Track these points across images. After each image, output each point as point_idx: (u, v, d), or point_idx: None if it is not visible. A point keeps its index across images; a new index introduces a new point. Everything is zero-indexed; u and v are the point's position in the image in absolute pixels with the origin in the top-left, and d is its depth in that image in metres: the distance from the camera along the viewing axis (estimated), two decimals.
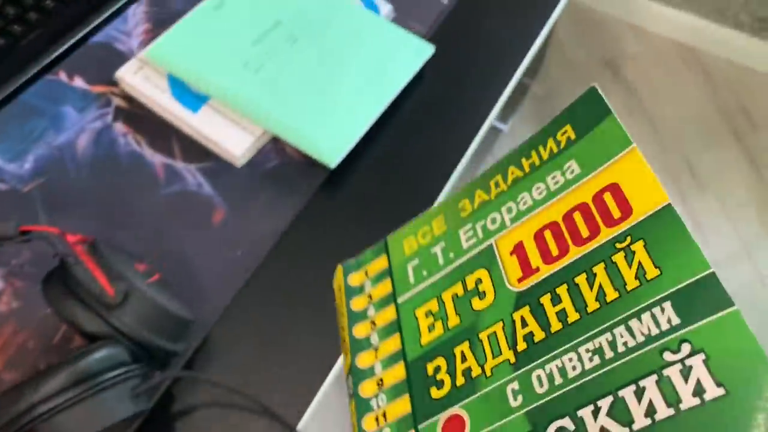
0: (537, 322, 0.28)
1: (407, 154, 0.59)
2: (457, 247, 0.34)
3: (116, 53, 0.63)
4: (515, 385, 0.27)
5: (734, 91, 1.79)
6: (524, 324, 0.28)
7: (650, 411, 0.23)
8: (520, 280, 0.30)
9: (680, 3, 1.82)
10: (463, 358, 0.30)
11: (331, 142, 0.56)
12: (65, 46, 0.62)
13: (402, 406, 0.31)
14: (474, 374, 0.29)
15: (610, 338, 0.25)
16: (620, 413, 0.23)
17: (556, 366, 0.26)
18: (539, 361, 0.27)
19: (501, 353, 0.29)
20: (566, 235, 0.29)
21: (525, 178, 0.33)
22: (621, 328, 0.25)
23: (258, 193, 0.56)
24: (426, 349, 0.32)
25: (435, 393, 0.30)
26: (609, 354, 0.25)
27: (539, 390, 0.26)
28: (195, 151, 0.58)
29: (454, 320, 0.31)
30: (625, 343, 0.25)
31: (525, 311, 0.29)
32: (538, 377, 0.26)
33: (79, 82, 0.61)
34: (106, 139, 0.58)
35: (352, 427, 0.32)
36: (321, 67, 0.60)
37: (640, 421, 0.23)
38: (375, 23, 0.62)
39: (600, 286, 0.27)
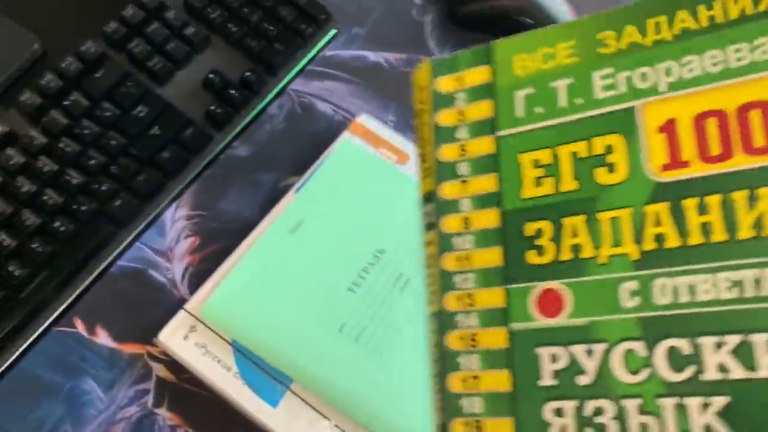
0: (674, 226, 0.23)
1: None
2: (588, 92, 0.27)
3: (152, 287, 0.45)
4: (633, 285, 0.23)
5: None
6: (658, 222, 0.24)
7: None
8: (664, 169, 0.24)
9: None
10: (574, 233, 0.25)
11: None
12: (86, 282, 0.44)
13: (491, 256, 0.26)
14: (584, 255, 0.24)
15: (756, 276, 0.22)
16: (746, 356, 0.21)
17: (686, 282, 0.23)
18: (666, 270, 0.23)
19: (622, 245, 0.24)
20: (735, 134, 0.23)
21: (699, 34, 0.25)
22: None
23: None
24: (528, 205, 0.26)
25: (532, 258, 0.25)
26: (751, 292, 0.22)
27: (659, 300, 0.23)
28: None
29: (569, 184, 0.26)
30: None
31: (662, 207, 0.24)
32: (662, 286, 0.23)
33: (103, 338, 0.44)
34: None
35: (427, 257, 0.27)
36: None
37: (764, 371, 0.20)
38: None
39: (760, 216, 0.22)
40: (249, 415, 0.41)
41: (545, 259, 0.25)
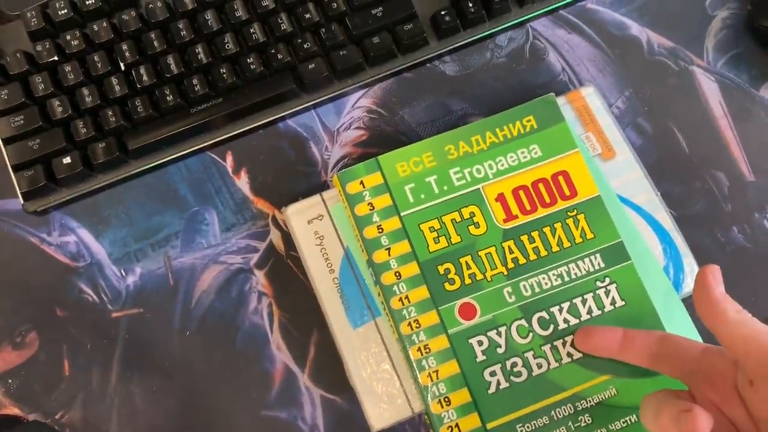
0: (520, 252, 0.40)
1: None
2: (449, 183, 0.41)
3: (306, 158, 0.45)
4: (509, 289, 0.39)
5: None
6: (510, 251, 0.40)
7: (589, 311, 0.39)
8: (505, 221, 0.40)
9: None
10: (468, 266, 0.39)
11: None
12: (252, 125, 0.44)
13: (422, 292, 0.39)
14: (478, 278, 0.39)
15: (566, 269, 0.40)
16: (574, 311, 0.39)
17: (535, 281, 0.39)
18: (524, 276, 0.39)
19: (497, 267, 0.39)
20: (535, 197, 0.41)
21: (500, 144, 0.42)
22: (572, 264, 0.39)
23: None
24: (434, 255, 0.40)
25: (448, 287, 0.39)
26: (566, 278, 0.39)
27: (525, 294, 0.39)
28: (331, 372, 0.41)
29: (455, 238, 0.40)
30: (575, 274, 0.39)
31: (510, 243, 0.40)
32: (524, 286, 0.39)
33: (243, 182, 0.44)
34: (237, 291, 0.42)
35: (382, 306, 0.40)
36: None
37: (585, 316, 0.39)
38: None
39: (559, 237, 0.40)
40: (329, 321, 0.40)
41: (456, 286, 0.39)
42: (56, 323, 0.42)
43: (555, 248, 0.40)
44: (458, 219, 0.40)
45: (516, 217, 0.40)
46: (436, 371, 0.38)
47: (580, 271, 0.39)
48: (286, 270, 0.43)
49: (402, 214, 0.40)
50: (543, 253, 0.40)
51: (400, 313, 0.39)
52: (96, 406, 0.41)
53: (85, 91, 0.43)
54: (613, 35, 0.47)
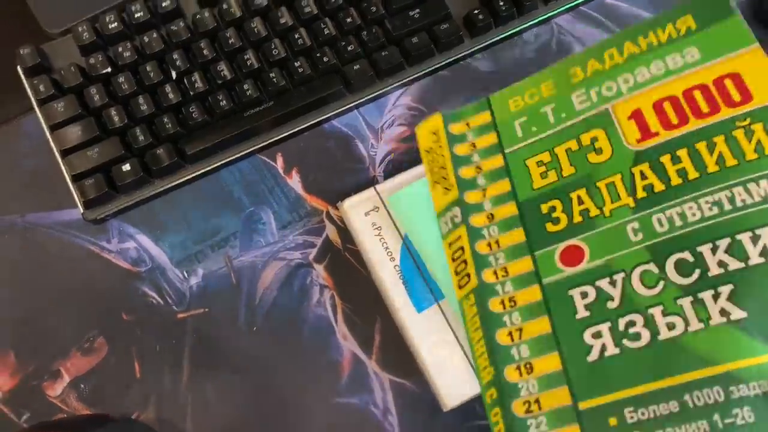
0: (657, 176, 0.31)
1: None
2: (569, 108, 0.35)
3: (353, 156, 0.47)
4: (635, 225, 0.30)
5: None
6: (643, 177, 0.31)
7: (764, 253, 0.27)
8: (639, 141, 0.32)
9: None
10: (580, 201, 0.32)
11: None
12: (301, 126, 0.46)
13: (516, 236, 0.33)
14: (592, 214, 0.32)
15: (729, 195, 0.29)
16: (738, 251, 0.28)
17: (676, 212, 0.30)
18: (659, 207, 0.30)
19: (620, 199, 0.31)
20: (686, 108, 0.32)
21: (642, 54, 0.34)
22: (740, 188, 0.29)
23: None
24: (539, 192, 0.34)
25: (551, 227, 0.33)
26: (727, 206, 0.29)
27: (659, 229, 0.30)
28: (398, 357, 0.42)
29: (568, 170, 0.34)
30: (743, 201, 0.29)
31: (644, 167, 0.31)
32: (659, 220, 0.30)
33: (295, 182, 0.46)
34: (298, 285, 0.44)
35: (464, 251, 0.35)
36: None
37: (755, 259, 0.27)
38: None
39: (720, 154, 0.30)
40: (393, 307, 0.42)
41: (561, 226, 0.32)
42: (123, 327, 0.43)
43: (712, 168, 0.30)
44: (575, 147, 0.33)
45: (656, 134, 0.32)
46: (519, 329, 0.31)
47: (752, 196, 0.29)
48: (345, 262, 0.45)
49: (507, 150, 0.36)
50: (693, 175, 0.30)
51: (485, 259, 0.33)
52: (170, 405, 0.42)
53: (140, 100, 0.44)
54: None
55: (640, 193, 0.31)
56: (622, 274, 0.30)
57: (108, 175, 0.44)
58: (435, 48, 0.47)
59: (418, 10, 0.47)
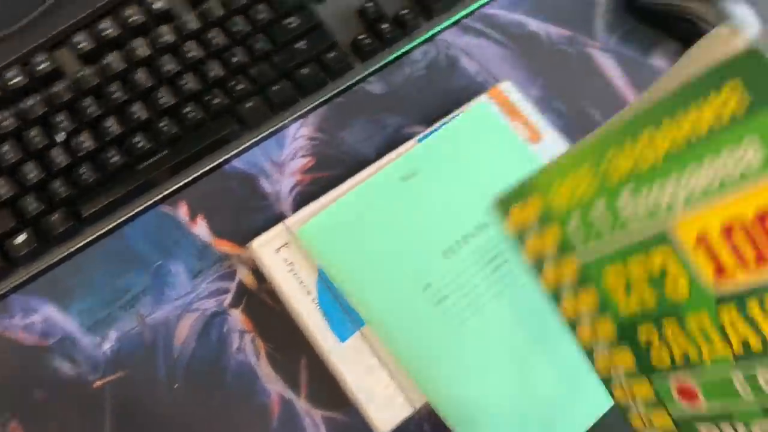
0: (750, 328, 0.24)
1: None
2: (618, 217, 0.27)
3: (258, 194, 0.46)
4: (741, 379, 0.25)
5: None
6: (734, 328, 0.24)
7: None
8: (715, 279, 0.24)
9: None
10: (675, 338, 0.27)
11: None
12: (200, 171, 0.45)
13: (626, 357, 0.29)
14: (692, 360, 0.26)
15: None
16: None
17: None
18: (763, 366, 0.24)
19: (716, 348, 0.25)
20: (762, 240, 0.22)
21: (688, 142, 0.23)
22: None
23: None
24: (630, 312, 0.28)
25: (654, 361, 0.28)
26: None
27: None
28: (327, 390, 0.42)
29: (649, 296, 0.27)
30: None
31: (732, 313, 0.24)
32: (766, 380, 0.24)
33: (201, 228, 0.45)
34: (216, 334, 0.43)
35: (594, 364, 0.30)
36: (532, 323, 0.42)
37: None
38: None
39: None
40: (315, 341, 0.41)
41: (664, 363, 0.27)
42: (38, 407, 0.41)
43: None
44: (643, 273, 0.27)
45: (733, 275, 0.24)
46: None
47: None
48: (262, 303, 0.44)
49: (579, 258, 0.29)
50: None
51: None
52: None
53: (27, 167, 0.43)
54: (515, 34, 0.51)
55: (737, 348, 0.24)
56: (742, 426, 0.25)
57: (2, 249, 0.42)
58: (326, 77, 0.47)
59: (303, 42, 0.47)
